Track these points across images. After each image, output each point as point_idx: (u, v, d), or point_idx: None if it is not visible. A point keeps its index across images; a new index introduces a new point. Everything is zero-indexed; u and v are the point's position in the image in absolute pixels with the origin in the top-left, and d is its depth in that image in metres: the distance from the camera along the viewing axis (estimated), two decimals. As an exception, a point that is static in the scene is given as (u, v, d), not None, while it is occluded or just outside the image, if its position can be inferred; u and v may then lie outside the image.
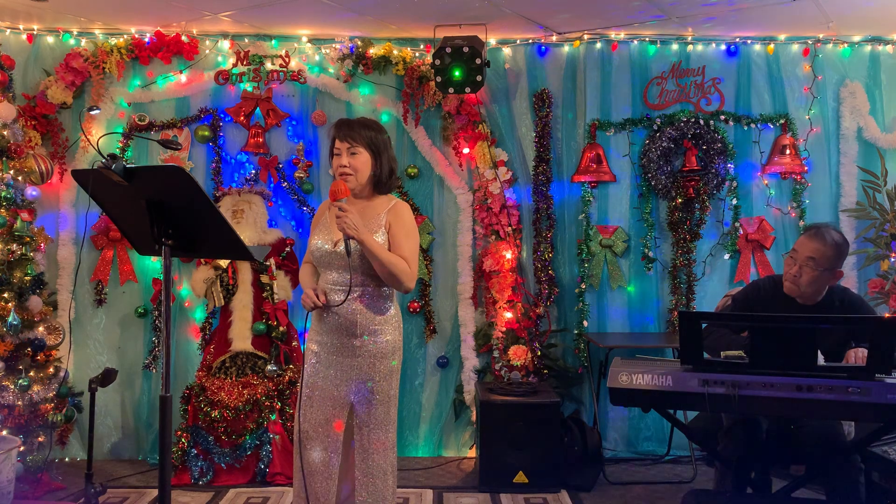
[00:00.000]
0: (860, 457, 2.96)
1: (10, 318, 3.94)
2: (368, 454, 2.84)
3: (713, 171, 4.73)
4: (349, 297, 2.79)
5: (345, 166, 2.82)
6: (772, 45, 4.81)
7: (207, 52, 4.80)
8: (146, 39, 4.72)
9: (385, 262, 2.72)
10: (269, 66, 4.82)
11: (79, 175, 2.23)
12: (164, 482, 2.10)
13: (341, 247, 2.78)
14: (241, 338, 4.46)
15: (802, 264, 3.02)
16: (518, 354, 4.55)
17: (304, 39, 4.84)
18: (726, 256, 4.83)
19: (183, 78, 4.77)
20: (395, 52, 4.78)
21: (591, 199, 4.83)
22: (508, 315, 4.70)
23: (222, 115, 4.82)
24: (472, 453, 4.79)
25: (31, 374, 4.04)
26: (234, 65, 4.80)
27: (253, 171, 4.80)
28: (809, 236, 3.06)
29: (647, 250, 4.81)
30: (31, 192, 4.27)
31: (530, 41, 4.89)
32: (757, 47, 4.84)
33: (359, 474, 2.85)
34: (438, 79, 4.47)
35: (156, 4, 4.30)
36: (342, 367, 2.83)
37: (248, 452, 4.24)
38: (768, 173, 4.83)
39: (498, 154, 4.79)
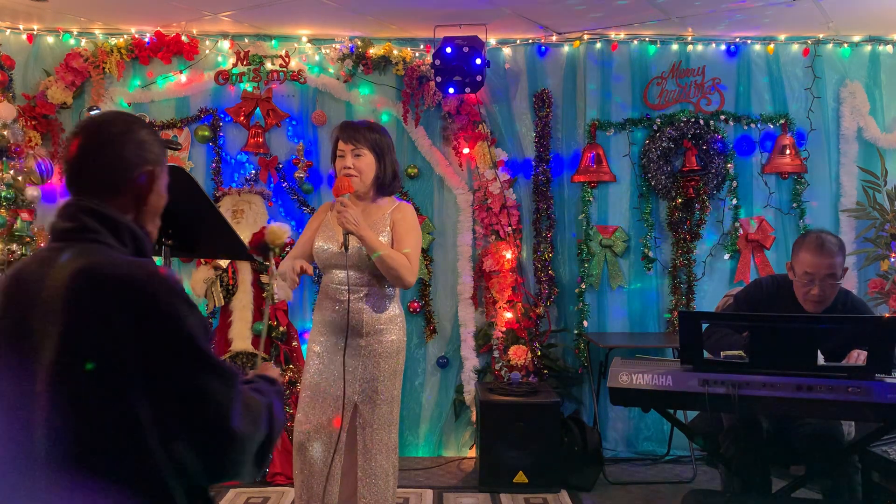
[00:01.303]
0: (858, 457, 2.96)
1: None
2: (372, 455, 2.83)
3: (713, 171, 4.73)
4: (352, 295, 2.80)
5: (349, 168, 2.83)
6: (772, 45, 4.81)
7: (207, 52, 4.80)
8: (146, 39, 4.72)
9: (385, 256, 2.73)
10: (269, 66, 4.82)
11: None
12: (164, 482, 2.10)
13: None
14: (241, 338, 4.46)
15: (823, 284, 2.98)
16: (518, 354, 4.54)
17: (304, 39, 4.84)
18: (726, 256, 4.82)
19: (183, 78, 4.77)
20: (395, 52, 4.78)
21: (591, 199, 4.83)
22: (508, 315, 4.69)
23: (222, 115, 4.82)
24: (472, 453, 4.78)
25: (31, 374, 4.03)
26: (234, 65, 4.80)
27: (253, 171, 4.80)
28: (814, 253, 2.98)
29: (647, 250, 4.81)
30: (31, 192, 4.27)
31: (530, 41, 4.89)
32: (757, 47, 4.83)
33: (361, 475, 2.85)
34: (438, 79, 4.47)
35: (156, 4, 4.30)
36: (346, 366, 2.83)
37: (248, 452, 4.23)
38: (768, 173, 4.83)
39: (498, 154, 4.79)
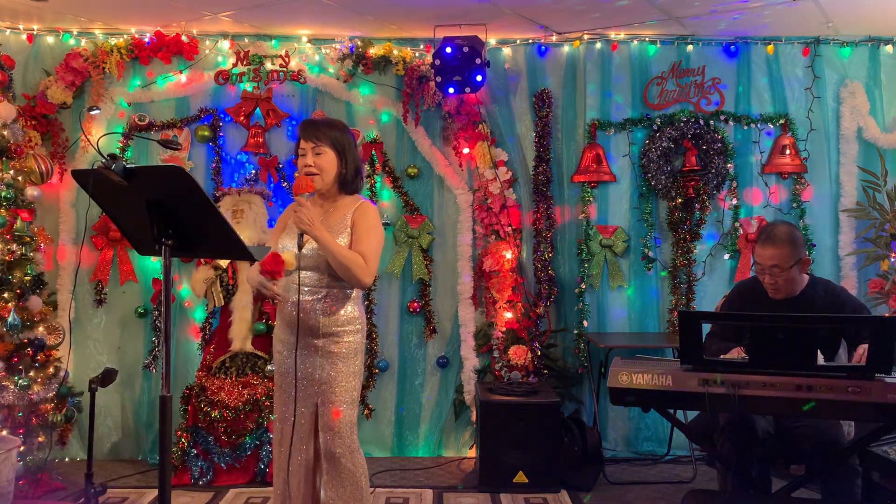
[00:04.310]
0: (858, 457, 2.96)
1: (10, 318, 3.94)
2: (335, 457, 2.82)
3: (713, 171, 4.73)
4: (309, 295, 2.81)
5: (310, 165, 2.84)
6: (772, 45, 4.81)
7: (207, 52, 4.80)
8: (146, 39, 4.72)
9: (338, 256, 2.73)
10: (269, 66, 4.82)
11: (79, 175, 2.23)
12: (164, 482, 2.10)
13: (307, 248, 2.78)
14: (241, 338, 4.46)
15: (772, 273, 3.08)
16: (518, 354, 4.54)
17: (304, 39, 4.84)
18: (726, 256, 4.82)
19: (183, 78, 4.77)
20: (395, 52, 4.78)
21: (591, 199, 4.83)
22: (508, 315, 4.69)
23: (222, 115, 4.82)
24: (472, 453, 4.78)
25: (31, 374, 4.04)
26: (234, 65, 4.80)
27: (253, 171, 4.80)
28: (762, 244, 3.11)
29: (647, 250, 4.81)
30: (31, 192, 4.26)
31: (530, 41, 4.89)
32: (757, 47, 4.83)
33: (326, 477, 2.85)
34: (438, 79, 4.47)
35: (156, 4, 4.30)
36: (305, 365, 2.84)
37: (248, 452, 4.24)
38: (768, 173, 4.83)
39: (498, 154, 4.79)
